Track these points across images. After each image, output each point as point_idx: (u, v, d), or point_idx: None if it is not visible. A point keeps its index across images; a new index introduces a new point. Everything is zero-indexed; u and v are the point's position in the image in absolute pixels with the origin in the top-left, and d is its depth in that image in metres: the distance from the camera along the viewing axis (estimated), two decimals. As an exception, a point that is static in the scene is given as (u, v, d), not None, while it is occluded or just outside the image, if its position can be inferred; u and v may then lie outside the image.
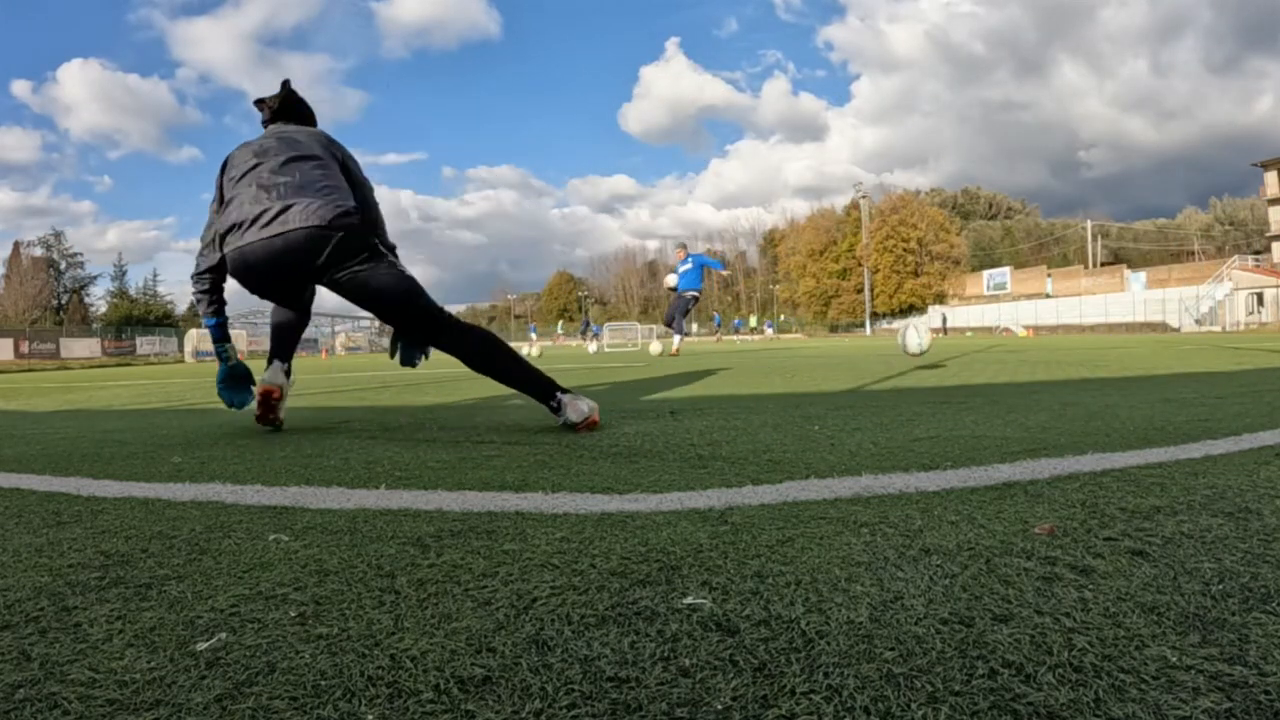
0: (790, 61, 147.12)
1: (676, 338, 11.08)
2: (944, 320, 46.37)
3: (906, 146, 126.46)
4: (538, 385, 2.35)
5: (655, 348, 11.64)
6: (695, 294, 11.23)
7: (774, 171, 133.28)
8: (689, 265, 11.21)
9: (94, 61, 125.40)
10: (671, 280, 11.40)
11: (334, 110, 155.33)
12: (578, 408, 2.26)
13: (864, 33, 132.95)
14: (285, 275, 2.26)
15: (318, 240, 2.16)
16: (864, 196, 60.76)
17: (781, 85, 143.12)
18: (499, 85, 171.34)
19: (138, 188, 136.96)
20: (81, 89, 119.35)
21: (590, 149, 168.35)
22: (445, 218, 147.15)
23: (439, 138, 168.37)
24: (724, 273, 12.11)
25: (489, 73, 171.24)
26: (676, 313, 11.14)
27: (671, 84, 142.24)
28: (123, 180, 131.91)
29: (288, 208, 2.18)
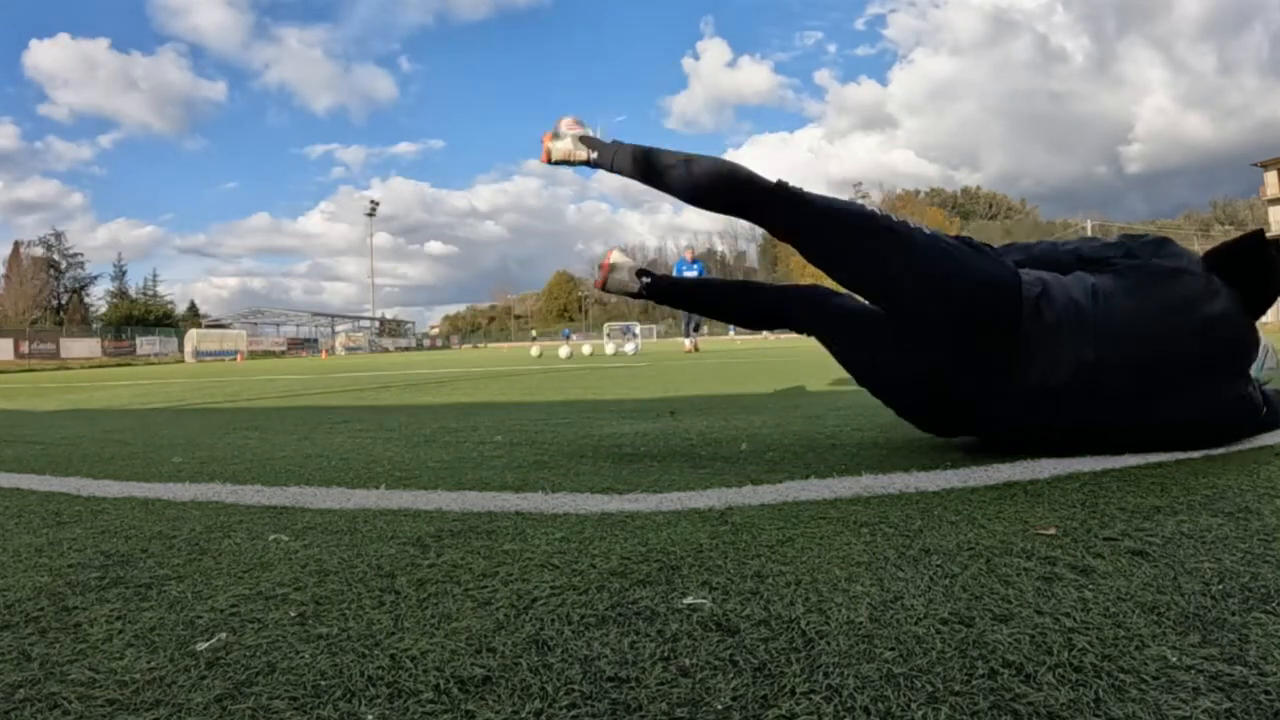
0: (833, 43, 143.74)
1: (688, 340, 12.43)
2: None
3: (955, 138, 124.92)
4: None
5: (629, 348, 12.23)
6: None
7: (814, 161, 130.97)
8: (694, 271, 12.15)
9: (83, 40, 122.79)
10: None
11: (347, 97, 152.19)
12: None
13: (917, 20, 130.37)
14: None
15: None
16: (864, 197, 60.80)
17: (826, 74, 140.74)
18: (525, 76, 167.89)
19: (133, 178, 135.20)
20: (71, 70, 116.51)
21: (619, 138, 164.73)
22: (461, 211, 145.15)
23: (456, 128, 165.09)
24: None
25: (513, 62, 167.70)
26: (695, 320, 12.48)
27: (711, 72, 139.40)
28: (117, 171, 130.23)
29: None
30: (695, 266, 12.41)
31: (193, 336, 33.35)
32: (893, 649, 0.67)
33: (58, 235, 65.14)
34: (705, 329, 12.90)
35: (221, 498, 1.43)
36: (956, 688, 0.60)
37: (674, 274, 12.57)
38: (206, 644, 0.73)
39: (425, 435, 2.29)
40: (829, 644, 0.69)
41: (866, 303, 1.65)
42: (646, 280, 1.98)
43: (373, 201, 58.22)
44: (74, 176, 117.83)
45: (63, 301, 62.20)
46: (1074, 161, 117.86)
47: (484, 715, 0.59)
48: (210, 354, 31.97)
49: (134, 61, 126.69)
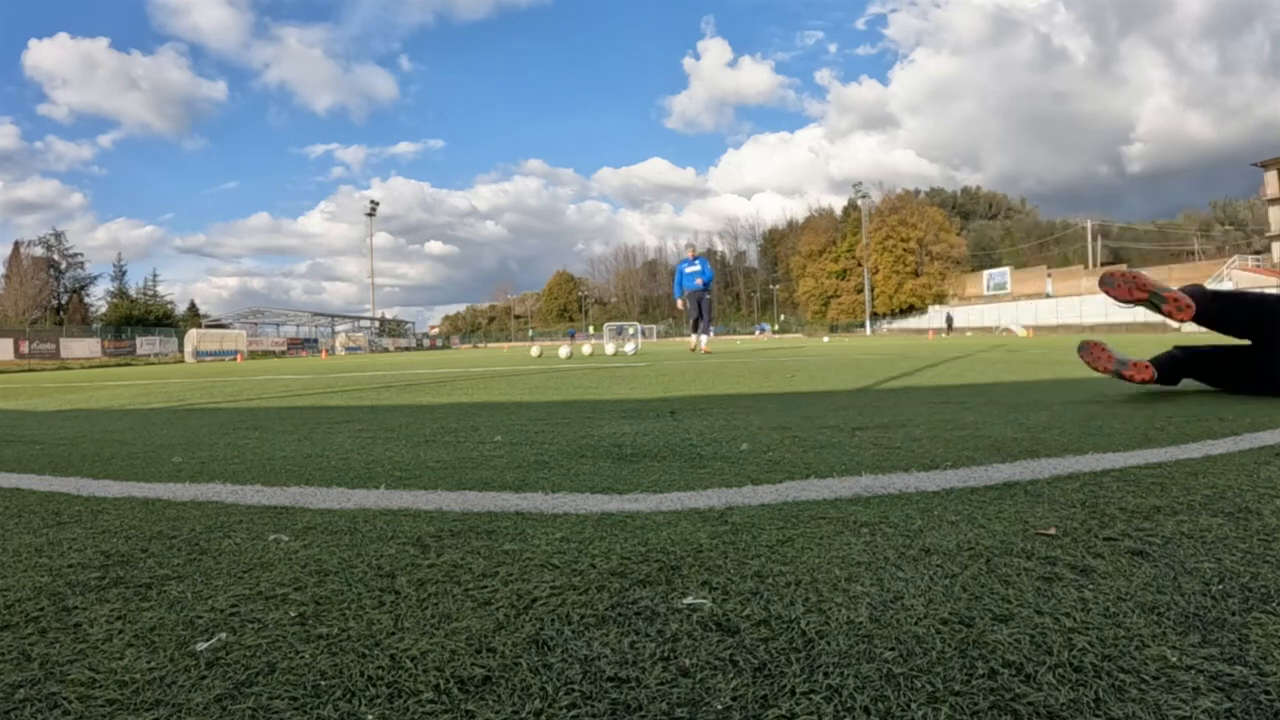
0: (834, 43, 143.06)
1: (704, 337, 11.79)
2: (949, 320, 46.34)
3: (956, 138, 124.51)
4: None
5: (629, 348, 12.04)
6: (705, 290, 11.82)
7: (815, 161, 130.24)
8: (696, 266, 11.82)
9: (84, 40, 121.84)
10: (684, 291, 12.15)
11: (347, 96, 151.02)
12: None
13: (919, 20, 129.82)
14: None
15: None
16: (864, 197, 60.74)
17: (827, 74, 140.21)
18: (526, 76, 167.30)
19: (133, 178, 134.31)
20: (71, 70, 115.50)
21: (618, 142, 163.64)
22: (461, 211, 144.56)
23: (456, 128, 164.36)
24: (702, 284, 12.37)
25: (513, 61, 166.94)
26: (704, 315, 11.97)
27: (712, 72, 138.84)
28: (117, 171, 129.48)
29: None
30: (698, 263, 12.14)
31: (193, 336, 33.30)
32: (893, 649, 0.67)
33: (58, 235, 65.15)
34: (712, 331, 12.42)
35: (221, 498, 1.43)
36: (956, 688, 0.60)
37: (677, 275, 12.23)
38: (206, 644, 0.73)
39: (425, 435, 2.29)
40: (829, 644, 0.69)
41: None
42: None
43: (373, 201, 58.14)
44: (74, 176, 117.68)
45: (63, 301, 62.19)
46: (1075, 161, 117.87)
47: (484, 715, 0.59)
48: (210, 354, 31.96)
49: (134, 61, 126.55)
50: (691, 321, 12.18)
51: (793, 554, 0.96)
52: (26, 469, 1.89)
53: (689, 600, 0.81)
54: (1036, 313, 45.14)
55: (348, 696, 0.62)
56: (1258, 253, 42.74)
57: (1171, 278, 41.02)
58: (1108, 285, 2.76)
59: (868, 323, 57.46)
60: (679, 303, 12.30)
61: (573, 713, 0.59)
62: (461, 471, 1.64)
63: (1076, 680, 0.61)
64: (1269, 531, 0.99)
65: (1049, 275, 51.48)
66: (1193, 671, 0.61)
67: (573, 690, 0.62)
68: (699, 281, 11.92)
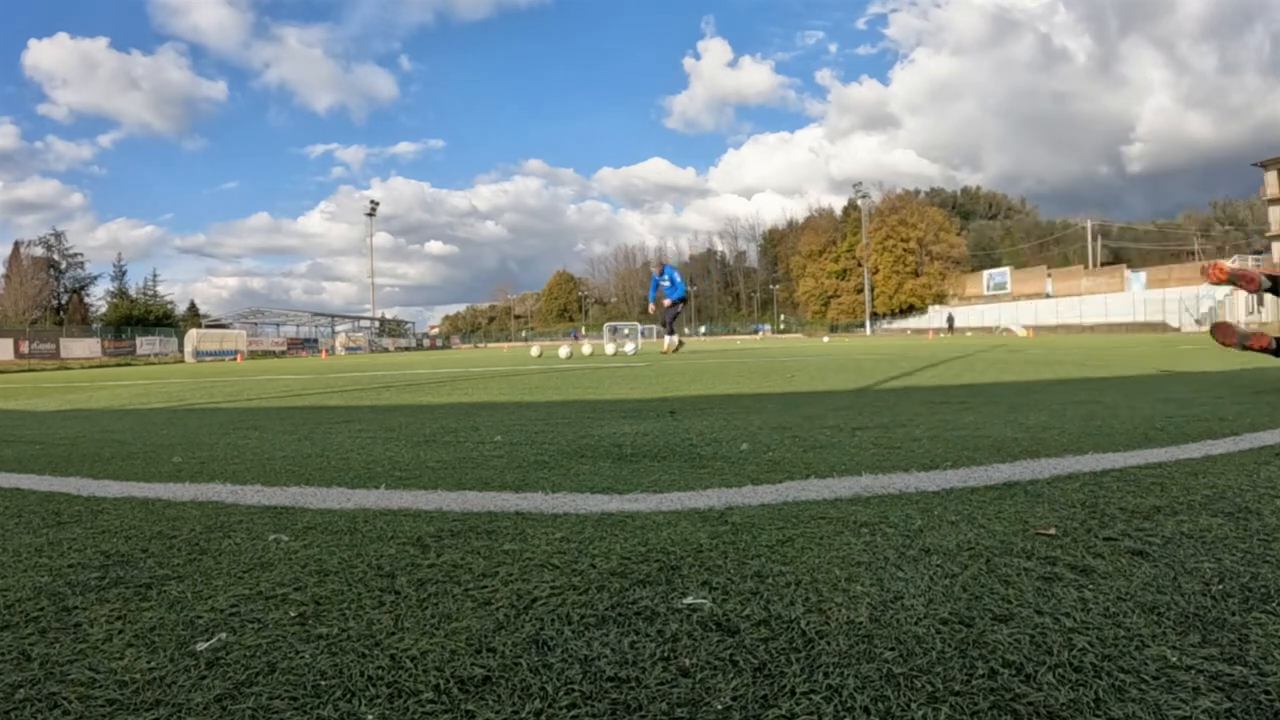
0: (835, 42, 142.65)
1: (674, 339, 11.81)
2: (950, 320, 46.37)
3: (956, 138, 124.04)
4: None
5: (629, 348, 12.12)
6: (682, 300, 12.07)
7: (815, 161, 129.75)
8: (666, 280, 11.89)
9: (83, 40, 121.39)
10: (665, 297, 12.11)
11: (347, 96, 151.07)
12: None
13: (919, 20, 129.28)
14: None
15: None
16: (864, 197, 60.74)
17: (827, 74, 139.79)
18: (526, 76, 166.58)
19: (133, 178, 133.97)
20: (71, 70, 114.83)
21: (618, 142, 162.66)
22: (461, 211, 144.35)
23: (456, 128, 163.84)
24: (675, 297, 12.27)
25: (514, 61, 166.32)
26: (669, 318, 12.08)
27: (712, 72, 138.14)
28: (117, 171, 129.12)
29: None
30: (667, 273, 11.99)
31: (193, 336, 33.27)
32: (893, 649, 0.67)
33: (58, 235, 64.99)
34: (690, 333, 12.46)
35: (221, 498, 1.43)
36: (956, 688, 0.60)
37: (653, 283, 12.25)
38: (206, 644, 0.73)
39: (425, 435, 2.29)
40: (829, 644, 0.69)
41: None
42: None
43: (373, 201, 58.03)
44: (74, 176, 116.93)
45: (63, 301, 62.15)
46: (1076, 161, 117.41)
47: (484, 715, 0.59)
48: (210, 354, 31.95)
49: (133, 61, 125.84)
50: (667, 328, 12.31)
51: (793, 554, 0.96)
52: (26, 469, 1.89)
53: (689, 600, 0.81)
54: (1036, 313, 45.18)
55: (348, 696, 0.62)
56: (1258, 252, 42.77)
57: (1171, 278, 41.08)
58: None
59: (868, 323, 57.45)
60: (651, 307, 12.35)
61: (573, 713, 0.59)
62: (461, 471, 1.64)
63: (1076, 680, 0.61)
64: (1269, 531, 0.99)
65: (1049, 275, 51.51)
66: (1193, 671, 0.61)
67: (573, 690, 0.62)
68: (667, 301, 11.94)
